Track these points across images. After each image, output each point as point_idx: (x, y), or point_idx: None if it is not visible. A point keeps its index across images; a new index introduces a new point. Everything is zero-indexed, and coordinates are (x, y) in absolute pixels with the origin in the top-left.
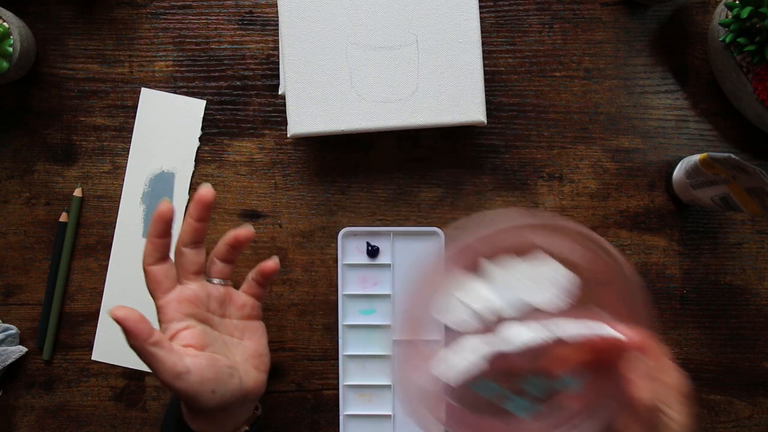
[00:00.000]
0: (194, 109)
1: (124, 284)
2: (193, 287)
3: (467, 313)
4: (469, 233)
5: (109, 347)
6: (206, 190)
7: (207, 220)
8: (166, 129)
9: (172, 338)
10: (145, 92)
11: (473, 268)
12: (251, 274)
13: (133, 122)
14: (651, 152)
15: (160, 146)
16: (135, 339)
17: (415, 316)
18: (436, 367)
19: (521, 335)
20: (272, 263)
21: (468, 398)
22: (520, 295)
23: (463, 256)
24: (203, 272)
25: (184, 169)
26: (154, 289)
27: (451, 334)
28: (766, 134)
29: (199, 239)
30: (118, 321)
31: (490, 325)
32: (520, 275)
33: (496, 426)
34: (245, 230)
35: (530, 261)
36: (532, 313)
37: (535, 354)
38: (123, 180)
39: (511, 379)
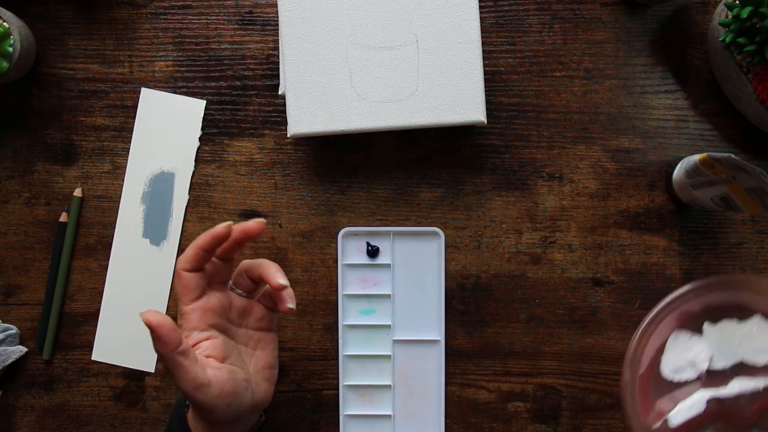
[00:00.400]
0: (194, 109)
1: (125, 284)
2: (218, 296)
3: (688, 367)
4: (677, 295)
5: (109, 347)
6: (258, 224)
7: (244, 245)
8: (166, 129)
9: (193, 347)
10: (145, 92)
11: (687, 326)
12: (269, 287)
13: (133, 122)
14: (651, 152)
15: (160, 146)
16: (164, 346)
17: (644, 374)
18: (670, 415)
19: (736, 383)
20: (287, 307)
21: None
22: (733, 349)
23: (677, 317)
24: (228, 281)
25: (184, 169)
26: (182, 294)
27: (672, 387)
28: (766, 134)
29: (231, 257)
30: (150, 326)
31: (706, 375)
32: (732, 332)
33: None
34: (281, 279)
35: (740, 320)
36: (744, 366)
37: (748, 400)
38: (123, 180)
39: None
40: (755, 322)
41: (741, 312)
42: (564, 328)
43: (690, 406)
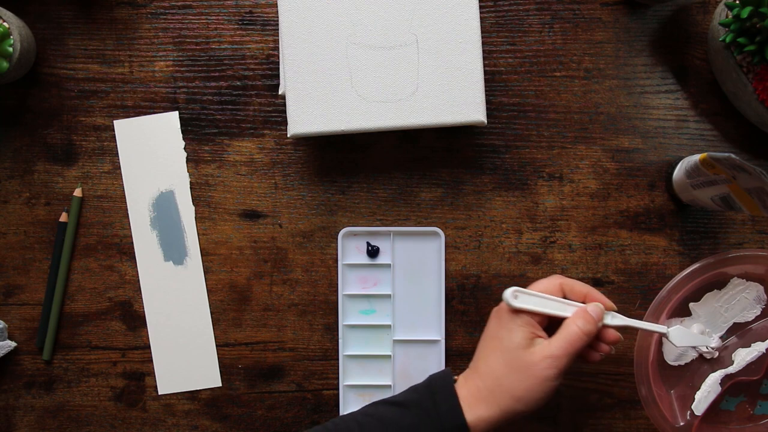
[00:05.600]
0: (170, 122)
1: (165, 313)
2: None
3: (689, 350)
4: (664, 289)
5: (172, 377)
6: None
7: None
8: (150, 151)
9: None
10: (118, 123)
11: (678, 313)
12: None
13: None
14: (651, 152)
15: (150, 169)
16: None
17: (654, 370)
18: (693, 407)
19: (738, 355)
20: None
21: (720, 419)
22: (722, 316)
23: (666, 307)
24: None
25: (180, 182)
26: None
27: (681, 373)
28: (766, 134)
29: None
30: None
31: (709, 352)
32: (716, 301)
33: (750, 429)
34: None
35: (724, 289)
36: (739, 330)
37: (756, 365)
38: (122, 181)
39: (751, 390)
40: (733, 284)
41: (718, 283)
42: None
43: (707, 392)
